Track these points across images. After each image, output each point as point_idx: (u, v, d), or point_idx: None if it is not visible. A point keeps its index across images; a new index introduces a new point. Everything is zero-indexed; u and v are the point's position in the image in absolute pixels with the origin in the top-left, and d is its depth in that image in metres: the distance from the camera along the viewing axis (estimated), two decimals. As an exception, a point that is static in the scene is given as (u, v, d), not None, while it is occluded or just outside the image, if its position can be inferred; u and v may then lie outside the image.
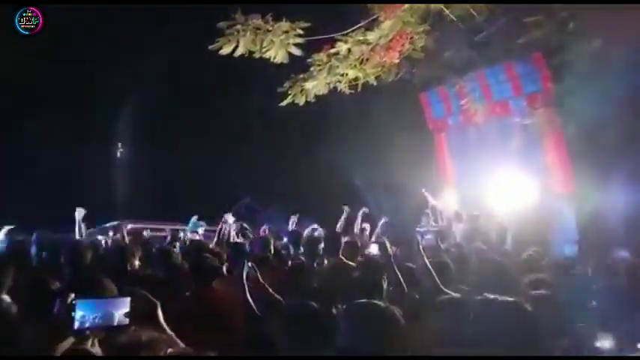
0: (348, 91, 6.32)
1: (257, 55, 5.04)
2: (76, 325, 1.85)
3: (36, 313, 2.41)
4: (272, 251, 4.76)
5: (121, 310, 1.92)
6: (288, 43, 5.00)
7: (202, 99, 11.05)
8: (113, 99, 11.38)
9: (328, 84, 6.01)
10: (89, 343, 2.03)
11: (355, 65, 5.99)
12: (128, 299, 1.95)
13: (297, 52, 5.16)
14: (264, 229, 6.13)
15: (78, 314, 1.86)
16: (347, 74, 6.05)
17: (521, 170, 9.66)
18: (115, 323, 1.90)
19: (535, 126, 9.50)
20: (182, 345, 2.10)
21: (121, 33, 9.56)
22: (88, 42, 9.98)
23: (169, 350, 1.86)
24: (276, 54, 5.04)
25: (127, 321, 1.92)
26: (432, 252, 4.72)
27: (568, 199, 8.81)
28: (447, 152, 11.32)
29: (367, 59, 5.97)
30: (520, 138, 9.84)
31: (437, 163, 11.36)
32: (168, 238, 6.00)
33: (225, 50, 4.88)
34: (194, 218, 7.09)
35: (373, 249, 4.21)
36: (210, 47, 4.83)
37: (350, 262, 4.52)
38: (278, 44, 4.94)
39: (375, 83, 6.37)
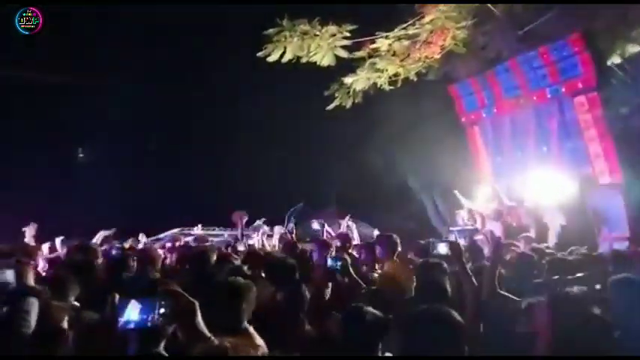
0: (387, 87, 6.74)
1: (304, 60, 5.49)
2: (120, 324, 2.15)
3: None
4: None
5: (160, 310, 2.16)
6: (335, 46, 5.45)
7: (255, 106, 11.55)
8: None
9: (368, 79, 6.44)
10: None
11: (395, 61, 6.43)
12: (167, 299, 2.21)
13: (344, 54, 5.63)
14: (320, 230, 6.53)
15: (121, 314, 2.15)
16: (387, 70, 6.49)
17: (563, 162, 9.93)
18: (155, 323, 2.15)
19: (576, 114, 9.78)
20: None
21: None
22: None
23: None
24: (324, 57, 5.49)
25: (165, 321, 2.19)
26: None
27: (616, 191, 8.94)
28: (482, 146, 11.59)
29: (408, 55, 6.39)
30: (560, 127, 10.16)
31: (471, 159, 11.66)
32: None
33: (274, 57, 5.35)
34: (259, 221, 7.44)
35: (442, 249, 4.56)
36: (258, 54, 5.30)
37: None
38: (325, 48, 5.40)
39: (415, 79, 6.82)
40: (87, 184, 11.32)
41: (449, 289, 3.59)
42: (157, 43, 11.29)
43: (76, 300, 3.25)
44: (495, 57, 9.37)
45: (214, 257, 4.13)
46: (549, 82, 10.10)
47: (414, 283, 4.25)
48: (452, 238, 8.63)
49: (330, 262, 3.90)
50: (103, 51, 11.00)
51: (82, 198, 10.89)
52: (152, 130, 12.31)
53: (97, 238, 6.06)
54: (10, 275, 2.63)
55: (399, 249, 5.11)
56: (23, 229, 5.86)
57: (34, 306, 2.43)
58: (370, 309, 2.86)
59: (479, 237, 6.87)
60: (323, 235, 5.85)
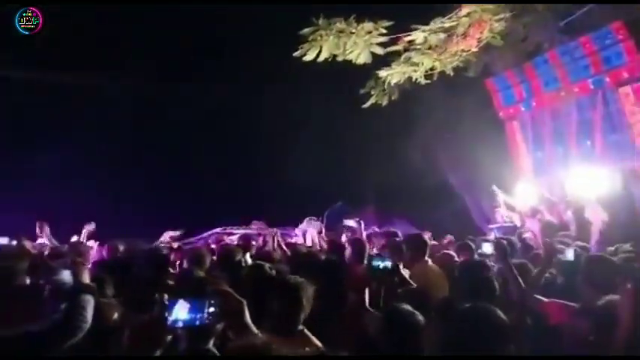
0: (423, 82, 6.66)
1: (340, 58, 5.50)
2: (169, 323, 2.19)
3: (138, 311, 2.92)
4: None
5: (209, 309, 2.20)
6: (372, 43, 5.44)
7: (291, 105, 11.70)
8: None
9: (404, 73, 6.38)
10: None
11: (431, 54, 6.34)
12: (215, 298, 2.25)
13: (380, 51, 5.60)
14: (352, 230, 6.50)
15: (170, 313, 2.20)
16: (422, 64, 6.41)
17: (607, 156, 9.63)
18: (204, 322, 2.19)
19: (621, 105, 9.46)
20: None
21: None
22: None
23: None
24: (360, 55, 5.49)
25: (215, 320, 2.23)
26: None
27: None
28: (521, 141, 11.37)
29: (445, 48, 6.30)
30: (604, 120, 9.85)
31: (510, 154, 11.43)
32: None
33: (310, 56, 5.38)
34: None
35: (486, 248, 4.49)
36: (294, 54, 5.35)
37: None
38: (362, 45, 5.39)
39: (451, 73, 6.72)
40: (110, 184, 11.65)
41: (497, 287, 3.54)
42: (177, 39, 11.52)
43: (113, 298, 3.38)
44: (534, 49, 9.13)
45: (238, 256, 4.17)
46: (592, 72, 9.84)
47: (447, 283, 4.22)
48: (492, 235, 8.51)
49: (375, 261, 3.83)
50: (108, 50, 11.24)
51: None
52: (180, 128, 12.52)
53: (164, 238, 6.26)
54: (66, 275, 2.75)
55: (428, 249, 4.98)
56: (83, 229, 6.11)
57: (89, 303, 2.53)
58: (411, 308, 2.86)
59: (527, 234, 6.74)
60: (362, 234, 5.79)
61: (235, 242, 6.29)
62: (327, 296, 3.71)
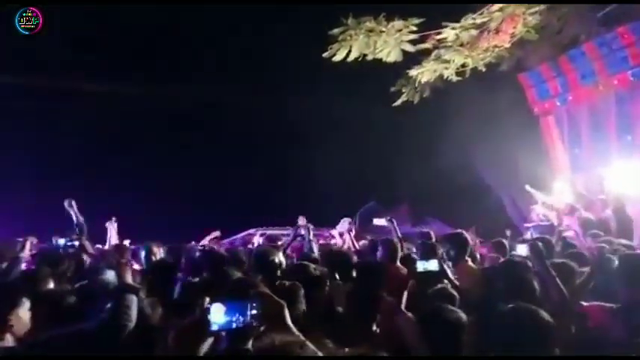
0: (455, 79, 6.60)
1: (370, 57, 5.51)
2: (210, 326, 2.18)
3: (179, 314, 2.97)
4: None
5: (250, 312, 2.19)
6: (402, 41, 5.42)
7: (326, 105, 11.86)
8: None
9: (434, 71, 6.34)
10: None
11: (463, 51, 6.27)
12: (256, 301, 2.25)
13: (410, 48, 5.58)
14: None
15: (212, 316, 2.19)
16: (454, 61, 6.35)
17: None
18: (245, 324, 2.18)
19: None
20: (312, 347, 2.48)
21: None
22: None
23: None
24: (390, 53, 5.48)
25: (255, 322, 2.20)
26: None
27: None
28: (557, 137, 11.10)
29: (477, 45, 6.23)
30: (645, 114, 9.55)
31: (545, 151, 11.18)
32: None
33: (339, 56, 5.41)
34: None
35: (521, 250, 4.41)
36: (323, 55, 5.38)
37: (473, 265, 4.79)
38: (392, 43, 5.38)
39: (484, 69, 6.63)
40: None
41: (537, 288, 3.48)
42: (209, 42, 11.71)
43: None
44: (569, 42, 8.90)
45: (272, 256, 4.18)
46: (631, 64, 9.53)
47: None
48: (527, 234, 8.35)
49: (418, 263, 3.76)
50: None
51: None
52: (218, 128, 12.70)
53: (206, 240, 6.41)
54: (111, 275, 2.86)
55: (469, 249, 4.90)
56: (107, 224, 6.24)
57: (133, 302, 2.62)
58: (452, 308, 2.84)
59: (568, 233, 6.58)
60: (397, 233, 5.72)
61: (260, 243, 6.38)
62: (362, 297, 3.74)
